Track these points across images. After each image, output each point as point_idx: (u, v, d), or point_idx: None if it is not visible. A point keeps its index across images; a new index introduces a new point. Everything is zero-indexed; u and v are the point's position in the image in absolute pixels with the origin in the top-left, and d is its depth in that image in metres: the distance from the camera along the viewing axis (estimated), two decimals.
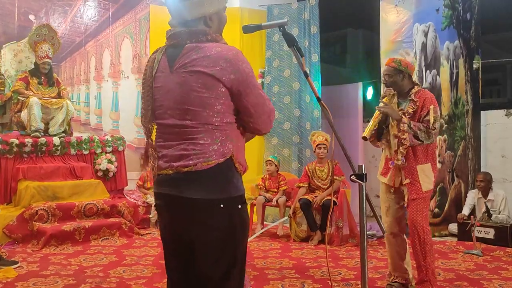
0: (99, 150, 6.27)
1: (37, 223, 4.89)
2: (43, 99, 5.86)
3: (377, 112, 3.25)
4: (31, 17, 6.60)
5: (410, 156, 3.24)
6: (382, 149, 3.46)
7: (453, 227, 5.39)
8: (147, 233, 5.56)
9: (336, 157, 5.47)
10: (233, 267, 1.66)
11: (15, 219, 4.92)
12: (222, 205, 1.64)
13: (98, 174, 6.16)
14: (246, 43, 6.78)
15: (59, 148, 5.84)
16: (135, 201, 6.10)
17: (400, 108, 3.31)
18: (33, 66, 6.11)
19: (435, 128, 3.14)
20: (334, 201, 5.11)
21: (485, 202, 5.16)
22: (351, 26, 14.14)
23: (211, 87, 1.61)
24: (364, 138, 3.19)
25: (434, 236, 5.44)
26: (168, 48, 1.73)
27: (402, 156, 3.22)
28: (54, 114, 5.93)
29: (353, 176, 1.78)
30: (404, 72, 3.26)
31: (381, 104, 3.29)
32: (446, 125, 5.57)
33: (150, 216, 5.96)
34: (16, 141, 5.50)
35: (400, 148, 3.21)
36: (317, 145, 5.38)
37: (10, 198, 5.45)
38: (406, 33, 5.78)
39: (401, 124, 3.16)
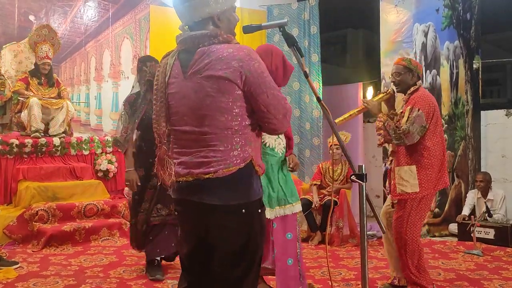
0: (99, 151, 6.27)
1: (37, 223, 4.89)
2: (43, 100, 5.85)
3: (361, 106, 3.35)
4: (31, 17, 6.60)
5: (395, 158, 3.27)
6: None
7: (453, 227, 5.39)
8: None
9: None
10: (251, 268, 1.67)
11: (15, 219, 4.92)
12: (244, 210, 1.63)
13: (98, 174, 6.16)
14: (246, 44, 6.63)
15: (59, 148, 5.84)
16: None
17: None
18: (33, 67, 6.10)
19: (403, 129, 3.05)
20: (335, 201, 5.11)
21: (485, 202, 5.16)
22: (351, 26, 14.17)
23: (227, 90, 1.59)
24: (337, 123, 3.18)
25: (434, 236, 5.47)
26: (180, 53, 1.70)
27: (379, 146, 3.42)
28: (54, 115, 5.93)
29: (353, 176, 1.78)
30: (414, 71, 3.26)
31: (364, 100, 3.42)
32: (446, 125, 5.57)
33: None
34: (16, 142, 5.50)
35: (378, 143, 3.39)
36: (330, 146, 5.40)
37: (10, 199, 5.45)
38: (406, 33, 5.78)
39: (377, 121, 3.22)
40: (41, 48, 6.05)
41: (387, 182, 3.98)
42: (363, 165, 1.81)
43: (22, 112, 5.77)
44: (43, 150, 5.70)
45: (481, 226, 4.90)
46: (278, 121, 1.70)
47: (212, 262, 1.64)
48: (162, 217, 3.61)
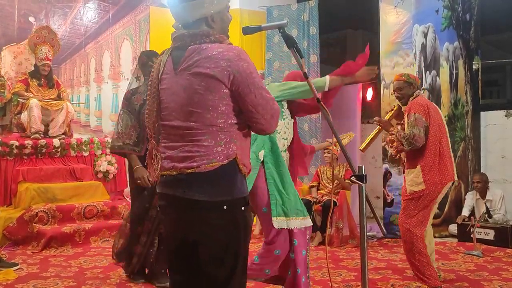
0: (99, 152, 6.27)
1: (37, 225, 4.88)
2: (43, 101, 5.85)
3: (378, 127, 3.73)
4: (31, 19, 6.60)
5: (406, 163, 3.63)
6: None
7: (453, 228, 5.39)
8: None
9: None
10: (236, 267, 1.66)
11: (15, 221, 4.92)
12: (225, 207, 1.64)
13: (98, 175, 6.16)
14: (246, 45, 6.77)
15: (59, 149, 5.84)
16: None
17: None
18: (33, 68, 6.10)
19: (408, 134, 3.39)
20: (334, 201, 5.11)
21: (485, 203, 5.17)
22: (351, 27, 14.15)
23: (214, 88, 1.61)
24: (362, 150, 3.72)
25: (434, 237, 5.45)
26: (173, 50, 1.74)
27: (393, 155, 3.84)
28: (54, 116, 5.93)
29: (353, 177, 1.78)
30: (413, 84, 3.60)
31: (376, 119, 3.79)
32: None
33: None
34: (16, 143, 5.50)
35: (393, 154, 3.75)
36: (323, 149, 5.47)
37: (10, 200, 5.44)
38: (406, 34, 5.78)
39: (390, 135, 3.59)
40: (41, 50, 6.05)
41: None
42: (363, 166, 1.81)
43: (22, 114, 5.77)
44: (43, 151, 5.70)
45: (481, 227, 4.90)
46: (266, 121, 1.72)
47: (197, 259, 1.63)
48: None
